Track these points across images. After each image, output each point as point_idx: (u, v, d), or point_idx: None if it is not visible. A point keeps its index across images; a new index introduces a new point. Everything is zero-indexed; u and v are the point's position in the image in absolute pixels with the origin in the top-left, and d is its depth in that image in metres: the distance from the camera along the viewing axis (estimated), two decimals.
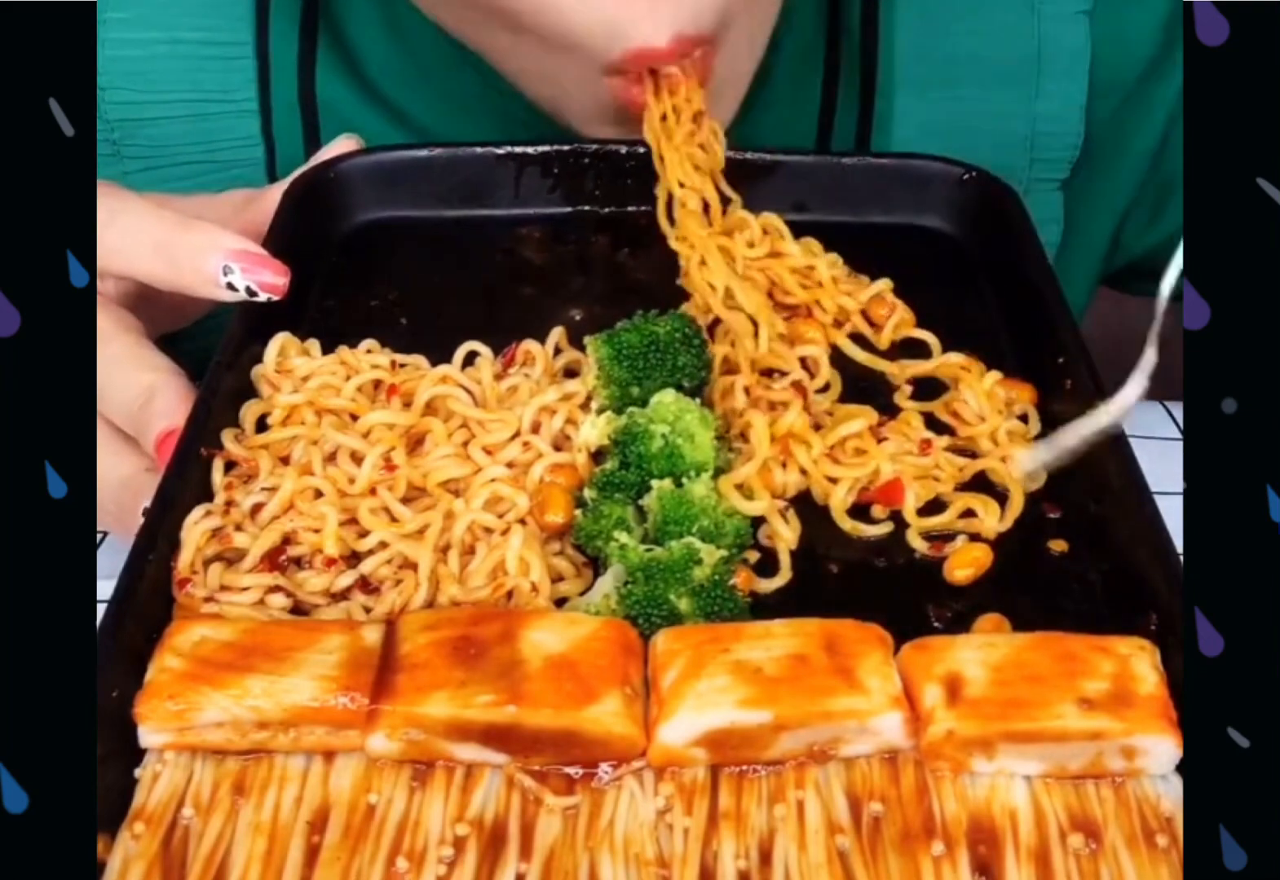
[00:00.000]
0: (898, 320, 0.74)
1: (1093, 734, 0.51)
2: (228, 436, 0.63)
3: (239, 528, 0.59)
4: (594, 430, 0.65)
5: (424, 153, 0.81)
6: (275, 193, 0.76)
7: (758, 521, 0.63)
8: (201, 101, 0.91)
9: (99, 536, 0.74)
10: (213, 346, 0.66)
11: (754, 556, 0.62)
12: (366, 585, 0.59)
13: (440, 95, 0.92)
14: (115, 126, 0.91)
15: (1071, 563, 0.63)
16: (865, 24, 0.91)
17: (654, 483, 0.62)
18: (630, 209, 0.81)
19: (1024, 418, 0.69)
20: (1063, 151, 0.93)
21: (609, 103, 0.77)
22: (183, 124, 0.91)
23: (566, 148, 0.81)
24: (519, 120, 0.86)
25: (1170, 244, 1.00)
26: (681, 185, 0.76)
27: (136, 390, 0.65)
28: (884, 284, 0.75)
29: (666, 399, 0.65)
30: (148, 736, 0.52)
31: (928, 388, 0.72)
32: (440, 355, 0.69)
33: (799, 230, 0.80)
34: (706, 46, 0.74)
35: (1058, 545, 0.63)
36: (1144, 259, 1.03)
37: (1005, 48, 0.91)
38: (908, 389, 0.71)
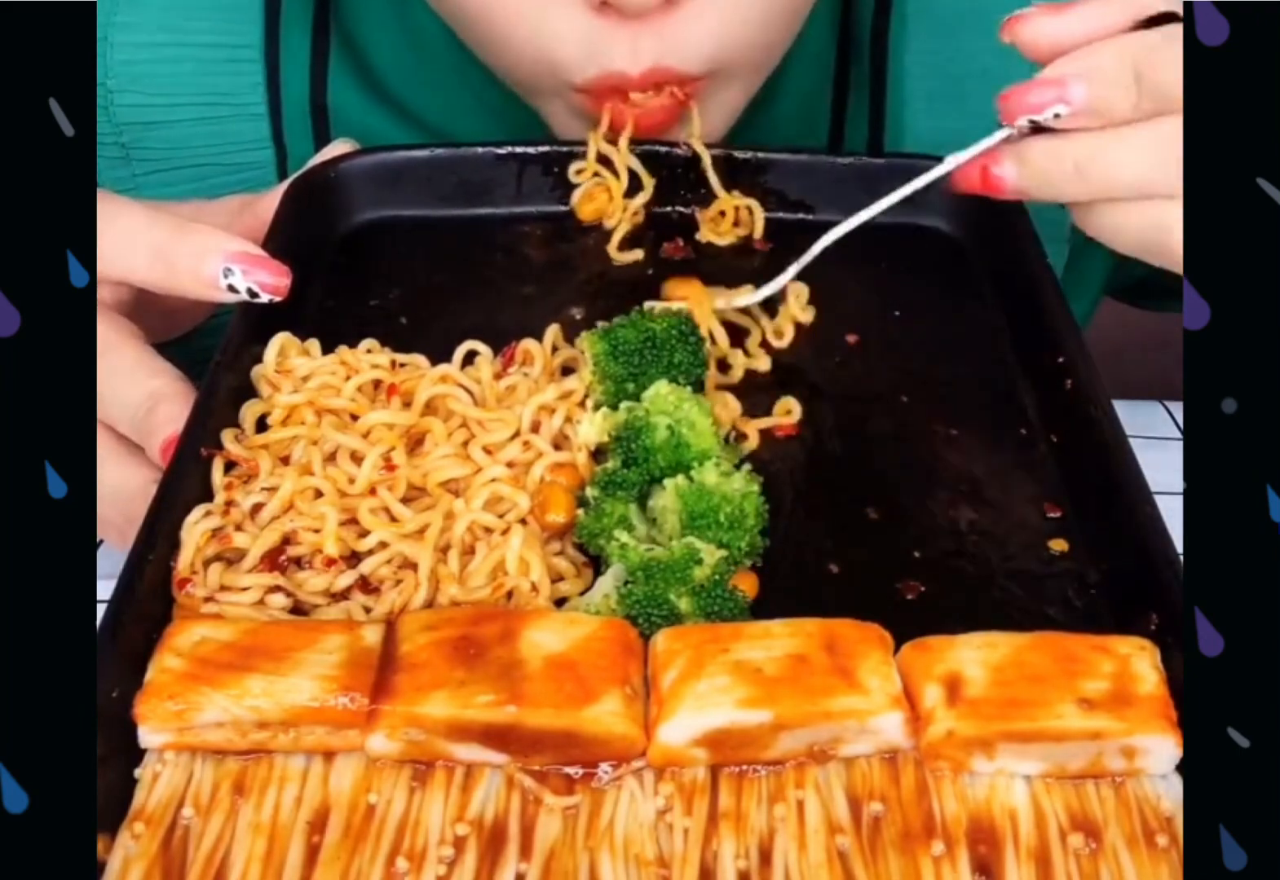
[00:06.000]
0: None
1: (1093, 734, 0.51)
2: (228, 436, 0.63)
3: (239, 528, 0.59)
4: (593, 428, 0.65)
5: (425, 152, 0.81)
6: (272, 197, 0.76)
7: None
8: (210, 105, 0.91)
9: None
10: (214, 347, 0.66)
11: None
12: (366, 585, 0.59)
13: (453, 98, 0.92)
14: (124, 129, 0.91)
15: (1071, 563, 0.63)
16: (875, 39, 0.91)
17: (666, 482, 0.61)
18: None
19: None
20: None
21: (580, 111, 0.77)
22: (192, 127, 0.91)
23: (567, 148, 0.81)
24: (534, 123, 0.86)
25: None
26: None
27: (141, 397, 0.65)
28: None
29: (663, 390, 0.65)
30: (148, 736, 0.52)
31: None
32: (440, 355, 0.69)
33: (798, 229, 0.80)
34: (687, 85, 0.75)
35: (1058, 545, 0.63)
36: (1150, 278, 1.03)
37: (1018, 67, 0.91)
38: None
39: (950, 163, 0.66)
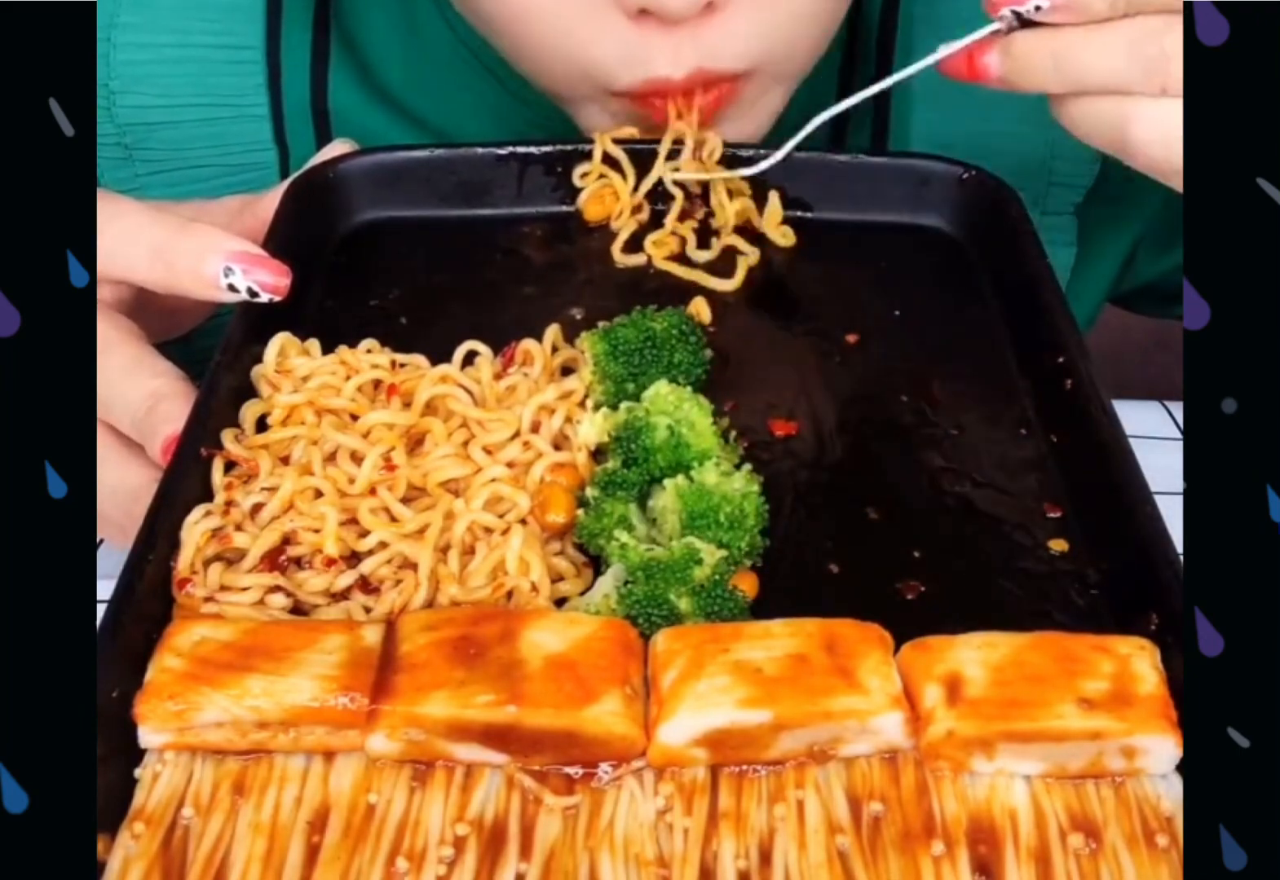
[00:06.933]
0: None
1: (1093, 734, 0.51)
2: (228, 436, 0.63)
3: (239, 528, 0.59)
4: (593, 428, 0.65)
5: (424, 153, 0.81)
6: (272, 198, 0.76)
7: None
8: (213, 106, 0.91)
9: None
10: (214, 347, 0.66)
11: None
12: (366, 585, 0.59)
13: (455, 101, 0.92)
14: (127, 130, 0.91)
15: (1071, 563, 0.63)
16: (882, 36, 0.91)
17: (666, 482, 0.62)
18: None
19: None
20: (1078, 178, 0.93)
21: (621, 116, 0.77)
22: (194, 128, 0.91)
23: (569, 147, 0.81)
24: (536, 126, 0.86)
25: (1180, 271, 1.02)
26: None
27: (141, 396, 0.65)
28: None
29: (663, 390, 0.65)
30: (148, 736, 0.52)
31: None
32: (440, 355, 0.69)
33: (798, 229, 0.80)
34: (725, 86, 0.75)
35: (1058, 545, 0.63)
36: (1155, 283, 1.04)
37: None
38: None
39: (942, 51, 0.69)
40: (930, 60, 0.70)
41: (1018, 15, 0.65)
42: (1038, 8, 0.64)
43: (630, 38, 0.71)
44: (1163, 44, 0.61)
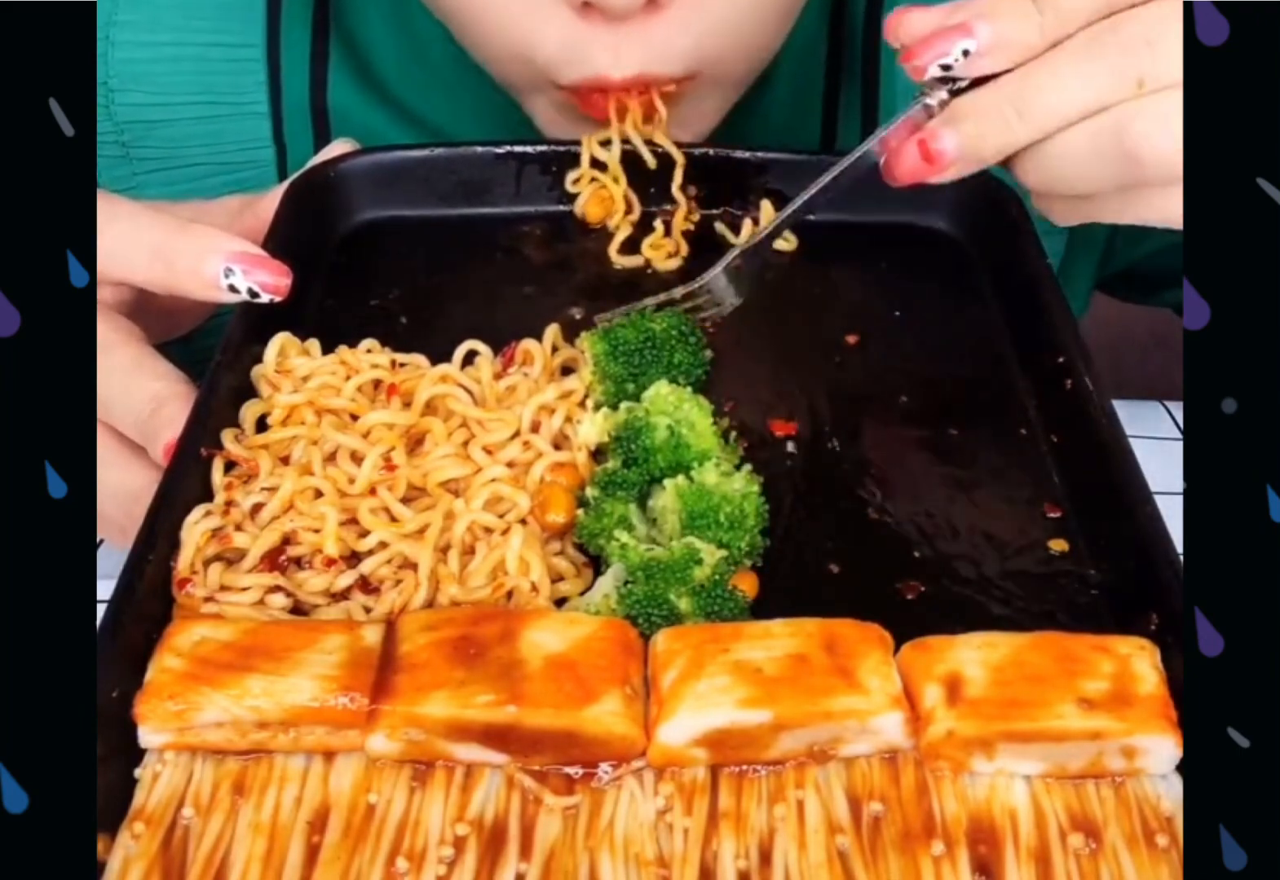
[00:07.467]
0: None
1: (1093, 734, 0.51)
2: (228, 436, 0.63)
3: (239, 528, 0.59)
4: (593, 428, 0.65)
5: (424, 152, 0.81)
6: (272, 198, 0.76)
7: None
8: (211, 104, 0.91)
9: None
10: (214, 347, 0.66)
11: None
12: (366, 585, 0.59)
13: (452, 98, 0.92)
14: (125, 128, 0.91)
15: (1071, 563, 0.63)
16: (868, 30, 0.91)
17: (666, 482, 0.62)
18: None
19: None
20: None
21: (564, 107, 0.77)
22: (193, 126, 0.91)
23: (563, 148, 0.81)
24: (532, 124, 0.86)
25: (1159, 256, 1.01)
26: None
27: (143, 399, 0.65)
28: None
29: (663, 390, 0.65)
30: (148, 736, 0.52)
31: None
32: (440, 355, 0.69)
33: (797, 228, 0.80)
34: (668, 87, 0.75)
35: (1058, 545, 0.63)
36: (1134, 268, 1.04)
37: None
38: None
39: (868, 143, 0.64)
40: (857, 154, 0.64)
41: (947, 77, 0.60)
42: (965, 52, 0.59)
43: (573, 31, 0.71)
44: (1118, 38, 0.57)
